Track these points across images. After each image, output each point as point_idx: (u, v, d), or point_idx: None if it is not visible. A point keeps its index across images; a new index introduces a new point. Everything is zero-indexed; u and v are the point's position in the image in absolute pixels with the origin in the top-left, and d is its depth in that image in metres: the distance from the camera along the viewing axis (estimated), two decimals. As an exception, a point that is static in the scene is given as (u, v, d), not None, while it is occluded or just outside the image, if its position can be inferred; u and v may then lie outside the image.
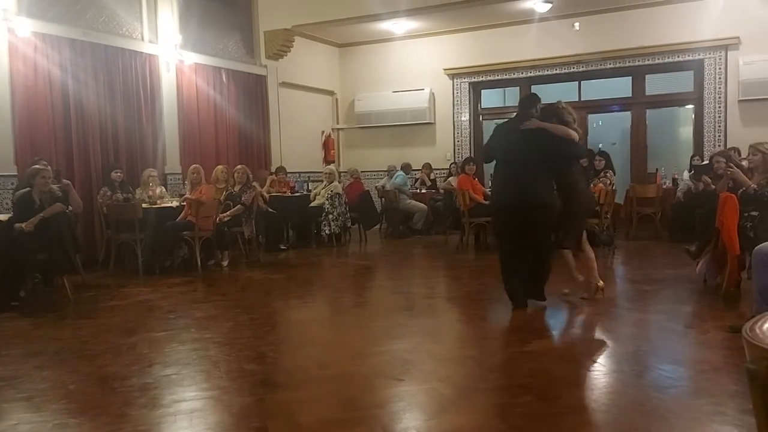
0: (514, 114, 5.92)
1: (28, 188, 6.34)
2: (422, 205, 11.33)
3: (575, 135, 5.52)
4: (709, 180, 6.71)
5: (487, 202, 9.20)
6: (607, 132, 12.70)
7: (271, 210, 9.50)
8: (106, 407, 3.37)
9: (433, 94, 12.81)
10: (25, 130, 7.80)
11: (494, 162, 5.83)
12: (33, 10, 7.97)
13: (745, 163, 5.99)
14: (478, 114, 13.00)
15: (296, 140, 12.30)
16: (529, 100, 5.86)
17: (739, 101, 10.52)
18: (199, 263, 7.88)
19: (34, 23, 7.90)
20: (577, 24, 11.28)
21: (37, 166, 6.55)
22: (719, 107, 10.75)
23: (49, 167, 6.72)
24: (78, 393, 3.61)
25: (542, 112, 5.62)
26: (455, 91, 12.77)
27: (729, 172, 5.77)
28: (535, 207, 5.32)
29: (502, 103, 13.86)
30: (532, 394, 3.43)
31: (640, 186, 10.48)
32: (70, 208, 6.75)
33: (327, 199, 10.14)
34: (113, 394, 3.56)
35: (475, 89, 12.87)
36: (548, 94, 12.13)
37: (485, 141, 6.13)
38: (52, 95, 8.10)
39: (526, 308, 5.39)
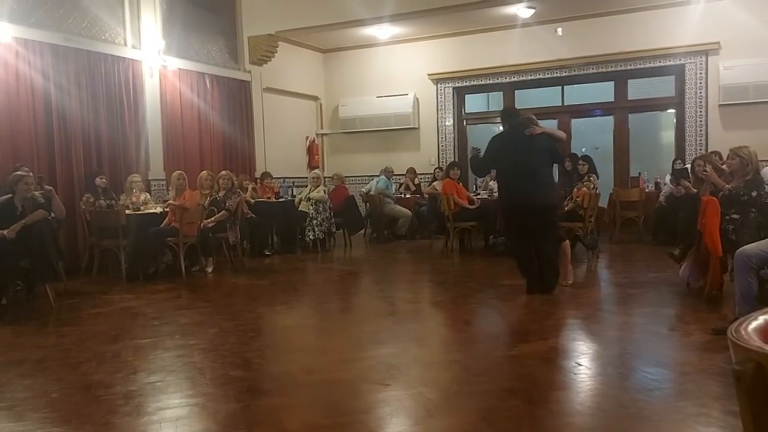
0: (499, 123, 6.62)
1: (10, 195, 6.27)
2: (407, 210, 11.33)
3: (564, 136, 6.57)
4: (689, 184, 6.77)
5: (472, 207, 9.29)
6: (590, 136, 12.79)
7: (251, 214, 9.47)
8: (90, 415, 3.33)
9: (417, 99, 12.84)
10: (6, 136, 7.72)
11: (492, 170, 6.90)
12: (14, 15, 7.90)
13: (725, 166, 6.04)
14: (462, 119, 13.05)
15: (280, 146, 12.27)
16: (514, 113, 6.56)
17: (720, 105, 10.63)
18: (184, 269, 7.83)
19: (15, 28, 7.83)
20: (559, 29, 11.36)
21: (19, 172, 6.48)
22: (700, 111, 10.86)
23: (31, 173, 6.66)
24: (61, 401, 3.57)
25: (522, 123, 6.23)
26: (439, 96, 12.81)
27: (703, 175, 5.84)
28: (552, 206, 6.23)
29: (485, 108, 13.96)
30: (518, 397, 3.44)
31: (623, 190, 10.56)
32: (53, 214, 6.68)
33: (311, 205, 10.14)
34: (97, 402, 3.53)
35: (459, 94, 12.91)
36: (532, 99, 12.30)
37: (470, 152, 6.75)
38: (34, 101, 8.03)
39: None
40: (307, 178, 11.29)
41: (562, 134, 6.52)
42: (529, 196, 5.97)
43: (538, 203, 5.98)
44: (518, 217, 6.12)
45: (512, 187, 6.15)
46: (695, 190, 6.44)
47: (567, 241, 6.64)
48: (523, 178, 6.03)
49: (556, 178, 10.63)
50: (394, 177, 12.06)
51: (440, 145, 12.87)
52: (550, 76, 11.86)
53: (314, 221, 10.16)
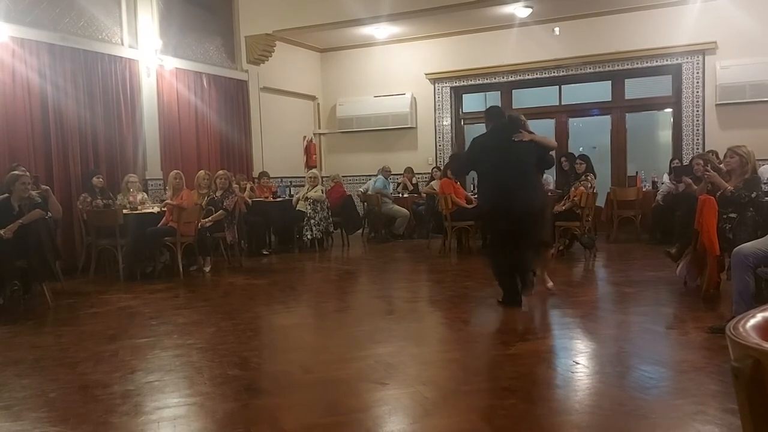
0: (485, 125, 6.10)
1: (6, 194, 6.26)
2: (404, 210, 11.34)
3: (555, 144, 6.24)
4: (690, 180, 6.78)
5: (470, 206, 9.29)
6: (588, 135, 12.81)
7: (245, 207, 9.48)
8: (88, 415, 3.33)
9: (414, 98, 12.84)
10: (3, 136, 7.70)
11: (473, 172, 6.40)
12: (11, 14, 7.88)
13: (722, 166, 6.05)
14: (459, 118, 13.05)
15: (278, 145, 12.26)
16: (499, 113, 6.16)
17: (717, 105, 10.64)
18: (181, 269, 7.82)
19: (11, 28, 7.81)
20: (557, 29, 11.37)
21: (16, 172, 6.48)
22: (697, 111, 10.87)
23: (27, 173, 6.65)
24: (59, 401, 3.56)
25: (510, 124, 5.87)
26: (437, 96, 12.81)
27: (707, 176, 5.84)
28: (534, 211, 5.63)
29: (483, 108, 13.92)
30: (516, 396, 3.44)
31: (620, 189, 10.57)
32: (50, 214, 6.68)
33: (309, 205, 10.13)
34: (95, 402, 3.52)
35: (457, 94, 12.91)
36: (529, 98, 12.31)
37: (452, 148, 6.44)
38: (31, 101, 8.01)
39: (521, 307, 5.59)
40: (304, 177, 11.28)
41: (553, 142, 6.15)
42: (512, 200, 5.50)
43: (520, 208, 5.49)
44: (500, 222, 5.68)
45: (494, 189, 5.72)
46: (696, 187, 6.44)
47: (549, 250, 6.16)
48: (505, 181, 5.58)
49: (553, 178, 10.71)
50: (391, 176, 12.07)
51: (438, 144, 12.87)
52: (547, 75, 11.86)
53: (312, 221, 10.15)
